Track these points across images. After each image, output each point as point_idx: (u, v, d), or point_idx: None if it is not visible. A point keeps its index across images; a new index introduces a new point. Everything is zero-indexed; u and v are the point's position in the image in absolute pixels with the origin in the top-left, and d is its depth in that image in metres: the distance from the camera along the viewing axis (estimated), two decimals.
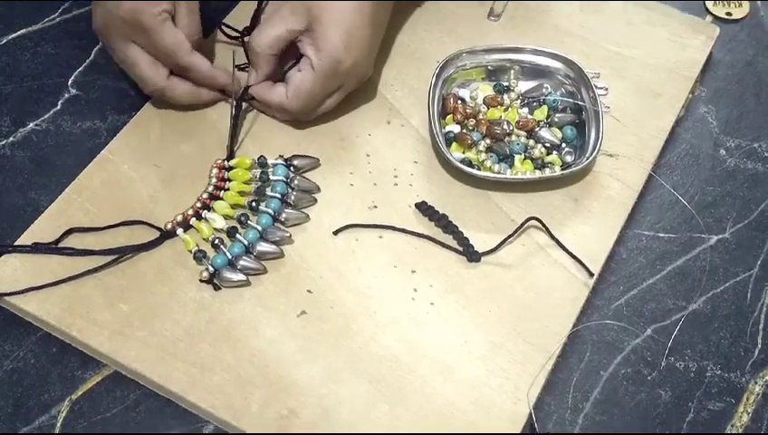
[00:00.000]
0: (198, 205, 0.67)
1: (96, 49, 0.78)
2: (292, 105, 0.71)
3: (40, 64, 0.77)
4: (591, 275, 0.65)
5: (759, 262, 0.69)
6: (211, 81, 0.72)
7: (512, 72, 0.75)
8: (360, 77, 0.72)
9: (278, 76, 0.72)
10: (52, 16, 0.80)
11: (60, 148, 0.72)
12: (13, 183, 0.70)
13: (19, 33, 0.79)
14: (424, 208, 0.68)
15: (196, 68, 0.70)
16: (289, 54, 0.72)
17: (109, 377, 0.62)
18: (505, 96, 0.74)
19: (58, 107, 0.74)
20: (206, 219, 0.67)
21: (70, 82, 0.76)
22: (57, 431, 0.60)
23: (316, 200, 0.69)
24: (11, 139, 0.72)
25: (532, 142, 0.72)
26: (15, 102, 0.74)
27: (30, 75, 0.76)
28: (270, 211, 0.67)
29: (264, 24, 0.71)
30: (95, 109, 0.74)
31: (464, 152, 0.71)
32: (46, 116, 0.74)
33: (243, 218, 0.67)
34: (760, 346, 0.65)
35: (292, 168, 0.70)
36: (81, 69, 0.77)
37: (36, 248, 0.65)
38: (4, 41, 0.78)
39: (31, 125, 0.73)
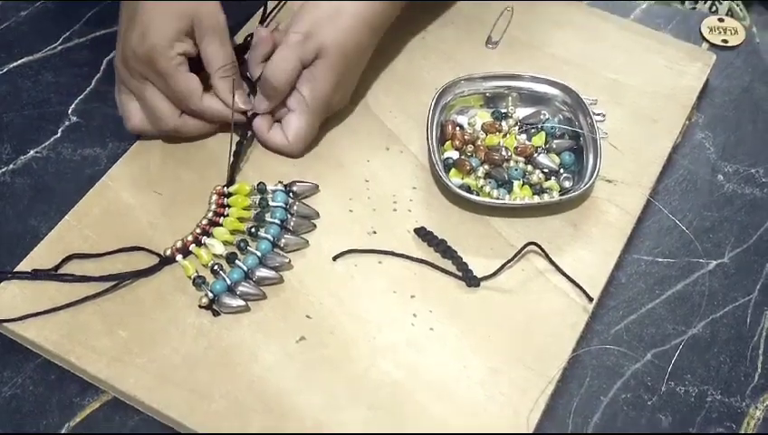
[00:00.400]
0: (198, 231, 0.67)
1: (96, 78, 0.78)
2: (294, 149, 0.72)
3: (41, 92, 0.77)
4: (591, 299, 0.65)
5: (758, 286, 0.68)
6: (223, 120, 0.72)
7: (510, 98, 0.75)
8: (338, 109, 0.75)
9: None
10: (54, 45, 0.81)
11: (60, 175, 0.72)
12: (13, 210, 0.70)
13: (20, 61, 0.80)
14: (423, 234, 0.68)
15: (209, 112, 0.71)
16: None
17: (107, 403, 0.61)
18: (503, 122, 0.75)
19: (58, 134, 0.75)
20: (205, 245, 0.67)
21: (70, 110, 0.76)
22: None
23: (315, 226, 0.69)
24: (11, 166, 0.73)
25: (530, 168, 0.72)
26: (16, 130, 0.75)
27: (31, 103, 0.77)
28: (269, 237, 0.67)
29: (277, 55, 0.71)
30: (95, 136, 0.74)
31: (462, 178, 0.71)
32: (47, 143, 0.74)
33: (242, 244, 0.67)
34: (760, 371, 0.65)
35: (291, 194, 0.70)
36: (81, 97, 0.77)
37: (35, 275, 0.65)
38: (6, 69, 0.79)
39: (31, 152, 0.73)
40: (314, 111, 0.71)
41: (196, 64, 0.71)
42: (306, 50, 0.70)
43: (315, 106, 0.71)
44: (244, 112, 0.72)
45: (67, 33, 0.82)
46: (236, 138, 0.71)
